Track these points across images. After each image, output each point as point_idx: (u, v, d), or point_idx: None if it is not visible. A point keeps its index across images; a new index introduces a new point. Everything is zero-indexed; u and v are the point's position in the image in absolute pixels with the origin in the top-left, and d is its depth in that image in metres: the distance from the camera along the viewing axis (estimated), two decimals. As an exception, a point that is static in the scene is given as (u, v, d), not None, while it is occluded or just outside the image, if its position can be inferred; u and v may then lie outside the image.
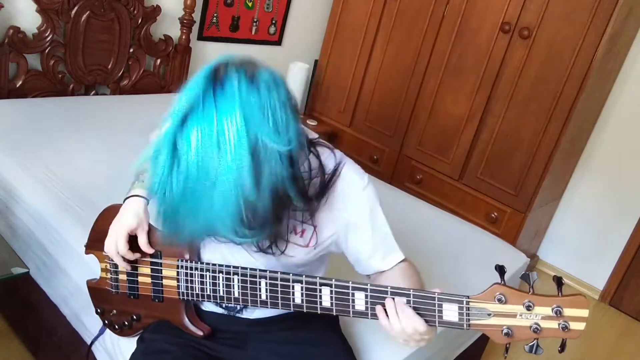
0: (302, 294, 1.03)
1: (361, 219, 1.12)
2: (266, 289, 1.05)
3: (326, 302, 1.02)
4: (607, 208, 3.13)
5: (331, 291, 1.01)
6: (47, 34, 2.31)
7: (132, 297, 1.23)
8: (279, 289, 1.04)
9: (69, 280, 1.53)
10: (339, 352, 1.23)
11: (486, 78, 2.91)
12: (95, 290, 1.31)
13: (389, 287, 0.98)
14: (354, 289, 0.99)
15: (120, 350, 1.33)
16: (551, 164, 2.77)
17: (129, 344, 1.30)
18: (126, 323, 1.26)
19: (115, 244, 1.13)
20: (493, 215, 2.99)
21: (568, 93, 2.65)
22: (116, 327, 1.29)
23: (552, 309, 0.88)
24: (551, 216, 3.30)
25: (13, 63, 2.28)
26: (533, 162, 2.81)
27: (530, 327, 0.90)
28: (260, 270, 1.06)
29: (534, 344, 0.91)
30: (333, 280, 1.01)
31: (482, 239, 2.19)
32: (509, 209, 2.93)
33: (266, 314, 1.23)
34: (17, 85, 2.31)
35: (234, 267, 1.09)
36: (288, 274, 1.04)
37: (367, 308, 1.00)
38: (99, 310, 1.31)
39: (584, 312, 0.88)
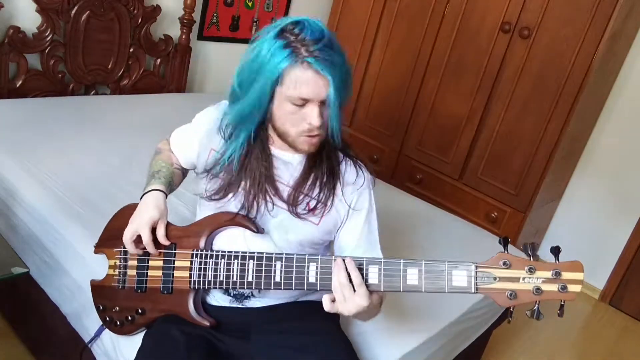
0: (316, 273, 1.09)
1: (360, 211, 1.22)
2: (281, 271, 1.11)
3: None
4: (607, 208, 3.13)
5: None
6: (47, 34, 2.31)
7: (139, 291, 1.25)
8: (294, 269, 1.11)
9: (70, 280, 1.53)
10: (338, 344, 1.26)
11: (486, 78, 2.91)
12: (99, 288, 1.32)
13: (401, 260, 1.05)
14: (368, 263, 1.07)
15: (121, 352, 1.33)
16: (551, 163, 2.77)
17: (129, 345, 1.30)
18: (129, 318, 1.27)
19: (133, 233, 1.18)
20: (493, 215, 2.99)
21: (568, 93, 2.65)
22: (117, 323, 1.29)
23: (552, 273, 0.98)
24: (551, 216, 3.30)
25: (13, 63, 2.28)
26: (533, 162, 2.81)
27: (532, 289, 0.98)
28: (276, 253, 1.12)
29: (535, 309, 1.00)
30: (347, 257, 1.07)
31: (482, 239, 2.19)
32: (509, 208, 2.93)
33: (272, 302, 1.27)
34: (17, 85, 2.31)
35: (249, 252, 1.15)
36: (304, 255, 1.11)
37: (379, 281, 1.06)
38: (100, 307, 1.32)
39: (580, 275, 0.98)
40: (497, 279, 1.00)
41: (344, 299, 1.04)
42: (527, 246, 1.00)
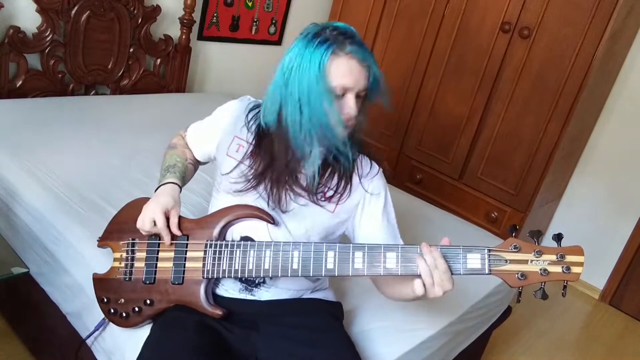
0: (334, 260, 1.14)
1: (377, 196, 1.29)
2: (299, 258, 1.16)
3: (358, 264, 1.14)
4: (607, 208, 3.13)
5: (363, 254, 1.14)
6: (47, 34, 2.31)
7: (147, 282, 1.26)
8: (312, 257, 1.15)
9: (70, 279, 1.53)
10: (342, 342, 1.28)
11: (486, 78, 2.91)
12: (102, 281, 1.32)
13: (418, 246, 1.11)
14: (386, 249, 1.13)
15: (123, 348, 1.33)
16: (551, 163, 2.77)
17: (129, 343, 1.30)
18: (136, 309, 1.27)
19: (150, 220, 1.21)
20: (493, 215, 2.99)
21: (568, 93, 2.65)
22: (123, 315, 1.28)
23: (557, 256, 1.07)
24: (551, 216, 3.31)
25: (13, 63, 2.28)
26: (533, 162, 2.81)
27: (540, 271, 1.07)
28: (293, 242, 1.18)
29: (540, 290, 1.09)
30: (365, 245, 1.14)
31: (482, 239, 2.19)
32: (509, 208, 2.93)
33: (279, 295, 1.30)
34: (17, 85, 2.31)
35: (266, 242, 1.19)
36: (321, 243, 1.16)
37: (397, 265, 1.12)
38: (104, 300, 1.31)
39: (581, 258, 1.07)
40: (508, 262, 1.09)
41: (433, 284, 1.09)
42: (533, 233, 1.10)
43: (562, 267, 1.06)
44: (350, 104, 1.15)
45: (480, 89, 2.94)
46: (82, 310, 1.48)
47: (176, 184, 1.29)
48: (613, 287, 3.18)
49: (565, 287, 1.08)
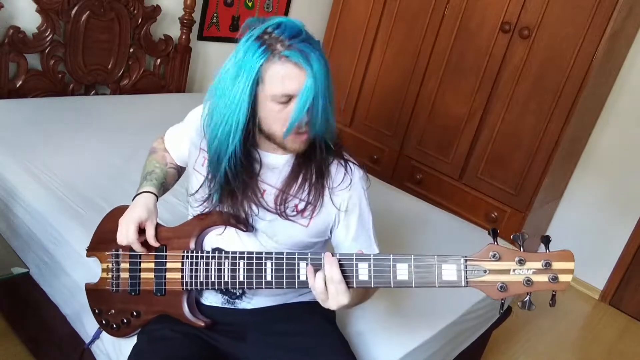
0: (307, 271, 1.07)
1: (353, 211, 1.18)
2: (272, 269, 1.10)
3: None
4: (607, 208, 3.13)
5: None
6: (47, 34, 2.31)
7: (132, 293, 1.24)
8: (285, 267, 1.09)
9: (70, 280, 1.53)
10: (336, 346, 1.24)
11: (486, 78, 2.91)
12: (94, 291, 1.32)
13: (391, 255, 1.02)
14: (358, 260, 1.04)
15: (122, 352, 1.33)
16: (551, 164, 2.77)
17: (129, 346, 1.29)
18: (125, 320, 1.26)
19: (124, 236, 1.17)
20: (493, 215, 2.99)
21: (568, 93, 2.65)
22: (114, 326, 1.29)
23: (542, 263, 0.95)
24: (551, 216, 3.30)
25: (13, 63, 2.28)
26: (533, 162, 2.81)
27: (523, 281, 0.96)
28: (266, 252, 1.10)
29: (526, 300, 0.97)
30: (337, 254, 1.05)
31: (482, 240, 2.18)
32: (509, 208, 2.93)
33: (263, 303, 1.26)
34: (17, 85, 2.31)
35: (240, 252, 1.13)
36: (293, 253, 1.09)
37: (370, 277, 1.03)
38: (96, 311, 1.32)
39: (571, 265, 0.95)
40: (487, 272, 0.97)
41: (327, 298, 1.03)
42: (518, 236, 0.98)
43: (549, 275, 0.94)
44: (293, 111, 1.05)
45: (480, 89, 2.94)
46: (81, 311, 1.48)
47: (151, 192, 1.24)
48: (613, 287, 3.17)
49: (553, 296, 0.97)
